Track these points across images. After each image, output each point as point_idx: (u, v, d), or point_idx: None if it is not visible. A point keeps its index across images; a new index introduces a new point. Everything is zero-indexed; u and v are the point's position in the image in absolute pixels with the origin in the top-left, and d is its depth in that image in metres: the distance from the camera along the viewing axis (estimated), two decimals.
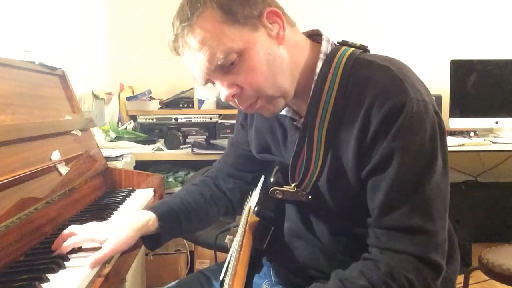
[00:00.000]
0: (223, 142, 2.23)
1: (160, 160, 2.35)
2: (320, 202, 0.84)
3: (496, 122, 2.63)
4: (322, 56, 0.82)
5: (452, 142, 2.35)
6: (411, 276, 0.72)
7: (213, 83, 0.81)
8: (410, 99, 0.72)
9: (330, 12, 2.78)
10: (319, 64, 0.81)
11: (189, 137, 2.46)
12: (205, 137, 2.47)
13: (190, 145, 2.32)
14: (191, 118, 2.46)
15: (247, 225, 0.88)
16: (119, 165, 1.74)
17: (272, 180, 0.89)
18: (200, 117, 2.47)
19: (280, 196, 0.86)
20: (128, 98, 2.52)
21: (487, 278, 1.67)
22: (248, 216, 0.91)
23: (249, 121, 1.03)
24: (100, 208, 1.20)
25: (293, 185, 0.84)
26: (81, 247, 0.91)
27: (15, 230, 0.86)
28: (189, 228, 1.03)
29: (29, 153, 1.03)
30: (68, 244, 0.87)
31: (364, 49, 0.83)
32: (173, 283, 1.07)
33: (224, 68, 0.76)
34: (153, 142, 2.38)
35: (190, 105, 2.55)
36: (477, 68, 2.61)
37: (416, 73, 0.80)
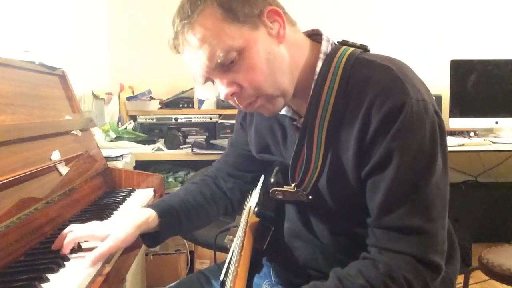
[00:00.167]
0: (223, 142, 2.23)
1: (160, 160, 2.35)
2: (320, 202, 0.84)
3: (496, 122, 2.63)
4: (322, 55, 0.82)
5: (452, 142, 2.35)
6: (409, 276, 0.72)
7: (213, 82, 0.81)
8: (410, 99, 0.72)
9: (330, 12, 2.78)
10: (319, 64, 0.81)
11: (189, 137, 2.46)
12: (205, 137, 2.47)
13: (190, 145, 2.32)
14: (191, 118, 2.46)
15: (247, 226, 0.88)
16: (119, 165, 1.74)
17: (272, 180, 0.89)
18: (200, 117, 2.47)
19: (280, 197, 0.86)
20: (128, 98, 2.52)
21: (487, 278, 1.67)
22: (248, 216, 0.91)
23: (249, 121, 1.03)
24: (100, 208, 1.20)
25: (293, 185, 0.84)
26: (81, 247, 0.91)
27: (15, 230, 0.86)
28: (188, 226, 1.03)
29: (29, 153, 1.03)
30: (68, 240, 0.87)
31: (364, 48, 0.83)
32: (173, 283, 1.07)
33: (224, 66, 0.76)
34: (153, 142, 2.38)
35: (190, 105, 2.55)
36: (477, 68, 2.61)
37: (416, 73, 0.80)
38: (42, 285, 0.74)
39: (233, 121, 1.13)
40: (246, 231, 0.86)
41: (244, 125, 1.06)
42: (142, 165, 2.12)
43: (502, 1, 2.86)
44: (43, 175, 1.05)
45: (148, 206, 0.97)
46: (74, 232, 0.88)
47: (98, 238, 0.88)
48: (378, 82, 0.74)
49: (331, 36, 0.85)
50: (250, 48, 0.75)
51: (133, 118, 2.51)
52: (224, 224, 1.10)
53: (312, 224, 0.89)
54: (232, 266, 0.76)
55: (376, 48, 0.84)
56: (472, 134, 2.57)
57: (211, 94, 2.52)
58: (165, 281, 2.10)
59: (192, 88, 2.57)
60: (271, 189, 0.86)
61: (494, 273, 1.56)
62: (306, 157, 0.81)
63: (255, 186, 1.03)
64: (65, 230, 0.90)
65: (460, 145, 2.35)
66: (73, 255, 0.87)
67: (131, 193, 1.38)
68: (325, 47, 0.83)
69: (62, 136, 1.25)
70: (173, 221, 0.97)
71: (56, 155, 1.13)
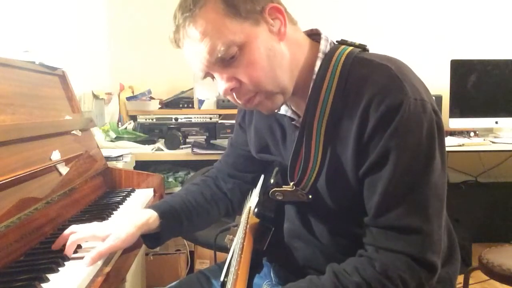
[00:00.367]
0: (223, 142, 2.23)
1: (160, 160, 2.35)
2: (319, 202, 0.84)
3: (496, 122, 2.63)
4: (320, 55, 0.82)
5: (452, 142, 2.35)
6: (405, 275, 0.72)
7: (212, 77, 0.81)
8: (408, 98, 0.72)
9: (330, 11, 2.78)
10: (318, 63, 0.81)
11: (189, 137, 2.46)
12: (205, 137, 2.47)
13: (190, 145, 2.32)
14: (191, 118, 2.46)
15: (248, 227, 0.88)
16: (119, 165, 1.74)
17: (272, 181, 0.89)
18: (200, 117, 2.47)
19: (280, 198, 0.86)
20: (128, 98, 2.52)
21: (487, 278, 1.67)
22: (248, 217, 0.91)
23: (248, 121, 1.03)
24: (100, 208, 1.20)
25: (291, 184, 0.84)
26: (81, 246, 0.91)
27: (15, 230, 0.86)
28: (189, 227, 1.03)
29: (29, 153, 1.03)
30: (70, 242, 0.87)
31: (363, 48, 0.83)
32: (173, 283, 1.07)
33: (224, 61, 0.76)
34: (153, 142, 2.38)
35: (190, 105, 2.55)
36: (477, 68, 2.61)
37: (415, 73, 0.80)
38: (42, 285, 0.74)
39: (233, 121, 1.13)
40: (246, 232, 0.86)
41: (243, 125, 1.06)
42: (142, 165, 2.12)
43: (502, 1, 2.86)
44: (43, 175, 1.05)
45: (149, 207, 0.97)
46: (76, 234, 0.88)
47: (99, 238, 0.88)
48: (376, 81, 0.74)
49: (330, 35, 0.86)
50: (251, 43, 0.75)
51: (133, 118, 2.51)
52: (224, 224, 1.10)
53: (312, 224, 0.89)
54: (232, 267, 0.76)
55: (376, 48, 0.84)
56: (472, 134, 2.57)
57: (211, 94, 2.52)
58: (165, 281, 2.10)
59: (192, 88, 2.57)
60: (271, 190, 0.86)
61: (494, 273, 1.56)
62: (305, 156, 0.81)
63: (255, 186, 1.03)
64: (66, 231, 0.90)
65: (460, 145, 2.35)
66: (73, 255, 0.87)
67: (131, 193, 1.38)
68: (324, 46, 0.83)
69: (62, 136, 1.25)
70: (174, 222, 0.97)
71: (56, 155, 1.13)
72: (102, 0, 2.68)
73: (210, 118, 2.46)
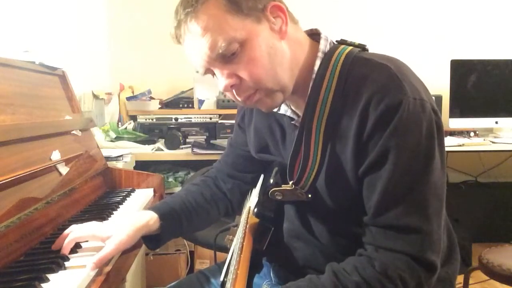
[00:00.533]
0: (223, 142, 2.23)
1: (160, 160, 2.35)
2: (319, 202, 0.84)
3: (496, 122, 2.63)
4: (320, 54, 0.82)
5: (452, 142, 2.35)
6: (405, 275, 0.72)
7: (213, 74, 0.81)
8: (407, 98, 0.72)
9: (330, 11, 2.78)
10: (317, 62, 0.81)
11: (189, 137, 2.46)
12: (205, 137, 2.47)
13: (190, 145, 2.32)
14: (191, 118, 2.46)
15: (247, 227, 0.88)
16: (119, 165, 1.74)
17: (271, 181, 0.89)
18: (200, 117, 2.47)
19: (280, 198, 0.86)
20: (128, 98, 2.52)
21: (487, 278, 1.67)
22: (247, 217, 0.91)
23: (247, 121, 1.03)
24: (100, 208, 1.20)
25: (291, 183, 0.84)
26: (81, 246, 0.91)
27: (15, 230, 0.86)
28: (189, 228, 1.03)
29: (29, 153, 1.03)
30: (69, 240, 0.87)
31: (362, 47, 0.84)
32: (173, 283, 1.07)
33: (225, 57, 0.76)
34: (153, 142, 2.38)
35: (190, 105, 2.55)
36: (477, 68, 2.61)
37: (415, 73, 0.80)
38: (42, 285, 0.74)
39: (233, 121, 1.13)
40: (245, 232, 0.86)
41: (243, 125, 1.06)
42: (142, 165, 2.12)
43: (502, 1, 2.86)
44: (43, 175, 1.05)
45: (149, 208, 0.97)
46: (75, 232, 0.88)
47: (99, 238, 0.88)
48: (376, 80, 0.74)
49: (330, 35, 0.86)
50: (252, 40, 0.75)
51: (133, 118, 2.51)
52: (224, 224, 1.10)
53: (311, 224, 0.89)
54: (232, 267, 0.76)
55: (376, 48, 0.84)
56: (472, 134, 2.56)
57: (211, 94, 2.52)
58: (165, 281, 2.10)
59: (192, 88, 2.57)
60: (271, 190, 0.86)
61: (494, 273, 1.56)
62: (304, 155, 0.81)
63: (255, 186, 1.03)
64: (66, 231, 0.90)
65: (460, 145, 2.35)
66: (73, 255, 0.87)
67: (131, 193, 1.38)
68: (324, 46, 0.83)
69: (62, 136, 1.25)
70: (174, 223, 0.97)
71: (56, 155, 1.13)
72: (102, 0, 2.68)
73: (210, 118, 2.46)
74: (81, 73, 2.08)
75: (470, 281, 1.85)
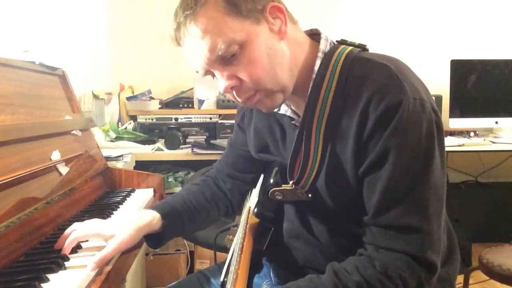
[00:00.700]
0: (223, 142, 2.23)
1: (160, 160, 2.35)
2: (319, 202, 0.84)
3: (496, 122, 2.63)
4: (320, 54, 0.82)
5: (452, 142, 2.35)
6: (405, 275, 0.72)
7: (213, 75, 0.81)
8: (407, 98, 0.72)
9: (330, 11, 2.78)
10: (318, 62, 0.81)
11: (189, 137, 2.46)
12: (205, 137, 2.47)
13: (190, 145, 2.32)
14: (191, 118, 2.46)
15: (247, 227, 0.88)
16: (119, 165, 1.74)
17: (271, 181, 0.89)
18: (200, 117, 2.47)
19: (280, 198, 0.86)
20: (128, 98, 2.52)
21: (487, 278, 1.67)
22: (248, 217, 0.91)
23: (247, 121, 1.03)
24: (100, 208, 1.20)
25: (291, 182, 0.84)
26: (81, 246, 0.91)
27: (15, 230, 0.86)
28: (191, 227, 1.03)
29: (29, 153, 1.03)
30: (71, 239, 0.87)
31: (362, 47, 0.84)
32: (173, 283, 1.07)
33: (225, 59, 0.76)
34: (153, 142, 2.38)
35: (190, 105, 2.55)
36: (477, 68, 2.61)
37: (415, 73, 0.80)
38: (42, 285, 0.74)
39: (233, 121, 1.13)
40: (246, 232, 0.86)
41: (242, 126, 1.06)
42: (142, 165, 2.12)
43: (502, 1, 2.86)
44: (43, 175, 1.05)
45: (151, 207, 0.98)
46: (77, 231, 0.88)
47: (103, 236, 0.88)
48: (376, 80, 0.74)
49: (330, 35, 0.86)
50: (251, 42, 0.75)
51: (133, 118, 2.51)
52: (224, 224, 1.10)
53: (311, 224, 0.89)
54: (232, 267, 0.76)
55: (376, 48, 0.84)
56: (472, 134, 2.56)
57: (211, 94, 2.52)
58: (165, 281, 2.10)
59: (192, 88, 2.57)
60: (271, 190, 0.86)
61: (494, 273, 1.56)
62: (304, 155, 0.81)
63: (255, 186, 1.03)
64: (68, 230, 0.90)
65: (460, 145, 2.35)
66: (73, 255, 0.87)
67: (131, 193, 1.38)
68: (324, 46, 0.83)
69: (62, 136, 1.25)
70: (176, 222, 0.97)
71: (56, 155, 1.13)
72: (102, 0, 2.68)
73: (210, 118, 2.46)
74: (81, 73, 2.08)
75: (470, 281, 1.85)
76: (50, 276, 0.76)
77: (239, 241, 0.85)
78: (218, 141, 2.33)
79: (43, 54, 1.47)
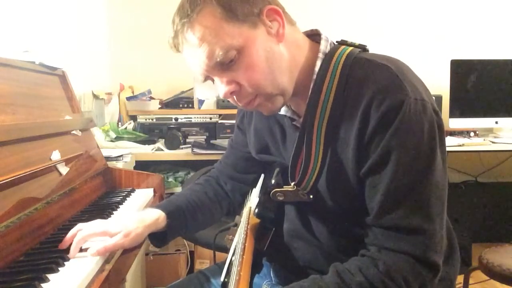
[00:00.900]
0: (223, 142, 2.23)
1: (160, 160, 2.35)
2: (320, 203, 0.84)
3: (496, 122, 2.62)
4: (321, 55, 0.82)
5: (452, 142, 2.35)
6: (408, 276, 0.72)
7: (213, 80, 0.81)
8: (408, 98, 0.72)
9: (330, 11, 2.78)
10: (318, 63, 0.81)
11: (189, 137, 2.46)
12: (205, 137, 2.47)
13: (190, 145, 2.32)
14: (191, 118, 2.46)
15: (249, 227, 0.88)
16: (119, 165, 1.74)
17: (273, 182, 0.89)
18: (200, 117, 2.47)
19: (281, 198, 0.86)
20: (128, 98, 2.52)
21: (487, 278, 1.67)
22: (248, 217, 0.91)
23: (247, 122, 1.03)
24: (100, 208, 1.20)
25: (292, 184, 0.84)
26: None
27: (15, 230, 0.86)
28: (194, 226, 1.04)
29: (29, 153, 1.03)
30: (79, 238, 0.86)
31: (363, 48, 0.83)
32: (173, 283, 1.07)
33: (224, 65, 0.76)
34: (153, 142, 2.38)
35: (190, 105, 2.55)
36: (477, 68, 2.61)
37: (415, 73, 0.80)
38: (42, 285, 0.74)
39: (233, 121, 1.13)
40: (247, 233, 0.86)
41: (242, 127, 1.06)
42: (142, 165, 2.12)
43: (502, 1, 2.86)
44: (43, 175, 1.05)
45: (155, 206, 0.98)
46: (83, 231, 0.88)
47: (110, 234, 0.88)
48: (377, 81, 0.74)
49: (330, 36, 0.86)
50: (249, 47, 0.75)
51: (133, 118, 2.51)
52: (223, 224, 1.10)
53: (312, 224, 0.89)
54: (234, 268, 0.76)
55: (376, 48, 0.84)
56: (472, 134, 2.56)
57: (211, 94, 2.52)
58: (165, 281, 2.10)
59: (192, 88, 2.57)
60: (272, 191, 0.86)
61: (494, 273, 1.56)
62: (305, 156, 0.81)
63: (255, 186, 1.03)
64: (73, 229, 0.90)
65: (460, 145, 2.35)
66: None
67: (131, 193, 1.38)
68: (324, 46, 0.83)
69: (62, 136, 1.25)
70: (180, 221, 0.98)
71: (56, 155, 1.13)
72: (102, 0, 2.68)
73: (210, 118, 2.46)
74: (81, 73, 2.08)
75: (470, 281, 1.85)
76: (50, 276, 0.76)
77: (240, 242, 0.85)
78: (218, 141, 2.32)
79: (43, 54, 1.46)
